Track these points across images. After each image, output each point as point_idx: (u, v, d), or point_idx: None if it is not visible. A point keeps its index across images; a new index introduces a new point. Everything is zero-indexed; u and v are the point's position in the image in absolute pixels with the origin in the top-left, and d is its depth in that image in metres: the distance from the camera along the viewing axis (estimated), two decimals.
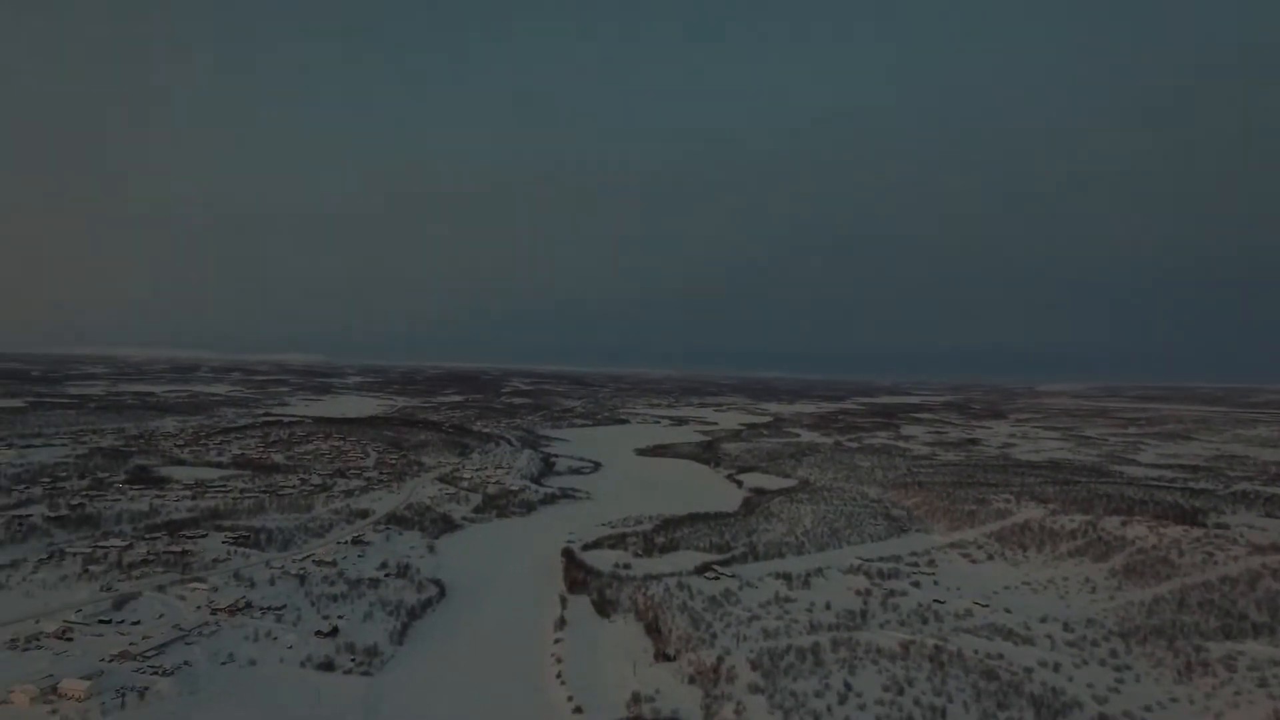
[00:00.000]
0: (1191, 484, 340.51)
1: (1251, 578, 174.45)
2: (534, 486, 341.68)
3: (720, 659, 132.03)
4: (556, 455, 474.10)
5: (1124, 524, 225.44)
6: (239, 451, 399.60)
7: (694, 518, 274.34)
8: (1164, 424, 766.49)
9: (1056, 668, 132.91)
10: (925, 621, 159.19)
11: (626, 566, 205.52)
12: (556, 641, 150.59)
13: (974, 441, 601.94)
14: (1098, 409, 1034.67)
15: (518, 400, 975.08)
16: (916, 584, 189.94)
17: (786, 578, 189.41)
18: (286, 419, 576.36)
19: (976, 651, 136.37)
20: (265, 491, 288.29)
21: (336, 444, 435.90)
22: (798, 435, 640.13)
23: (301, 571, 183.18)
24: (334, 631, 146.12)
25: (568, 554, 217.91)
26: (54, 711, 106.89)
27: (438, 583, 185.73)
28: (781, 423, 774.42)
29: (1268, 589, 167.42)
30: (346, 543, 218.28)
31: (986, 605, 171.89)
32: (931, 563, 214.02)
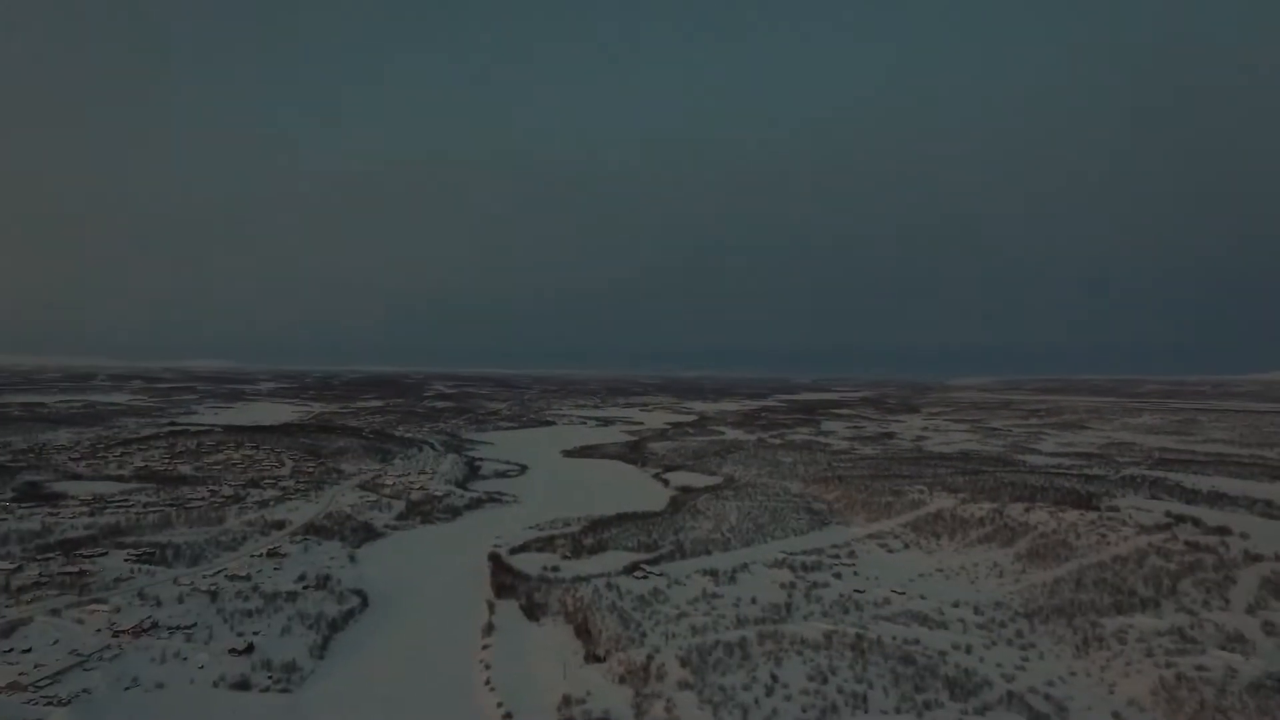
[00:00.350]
0: (1086, 470, 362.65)
1: (1140, 556, 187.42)
2: (459, 491, 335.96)
3: (650, 657, 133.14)
4: (482, 459, 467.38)
5: (1027, 510, 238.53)
6: (142, 464, 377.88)
7: (622, 518, 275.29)
8: (1061, 415, 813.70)
9: (968, 649, 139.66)
10: (846, 611, 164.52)
11: (555, 569, 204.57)
12: (484, 648, 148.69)
13: (889, 435, 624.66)
14: (1002, 402, 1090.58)
15: (441, 404, 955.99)
16: (838, 575, 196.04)
17: (713, 574, 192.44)
18: (194, 428, 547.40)
19: (895, 638, 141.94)
20: (172, 505, 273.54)
21: (249, 453, 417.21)
22: (722, 433, 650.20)
23: (213, 587, 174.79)
24: (249, 649, 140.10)
25: (494, 558, 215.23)
26: None
27: (360, 593, 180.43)
28: (706, 421, 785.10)
29: (1154, 566, 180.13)
30: (261, 555, 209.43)
31: (903, 593, 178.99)
32: (852, 554, 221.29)
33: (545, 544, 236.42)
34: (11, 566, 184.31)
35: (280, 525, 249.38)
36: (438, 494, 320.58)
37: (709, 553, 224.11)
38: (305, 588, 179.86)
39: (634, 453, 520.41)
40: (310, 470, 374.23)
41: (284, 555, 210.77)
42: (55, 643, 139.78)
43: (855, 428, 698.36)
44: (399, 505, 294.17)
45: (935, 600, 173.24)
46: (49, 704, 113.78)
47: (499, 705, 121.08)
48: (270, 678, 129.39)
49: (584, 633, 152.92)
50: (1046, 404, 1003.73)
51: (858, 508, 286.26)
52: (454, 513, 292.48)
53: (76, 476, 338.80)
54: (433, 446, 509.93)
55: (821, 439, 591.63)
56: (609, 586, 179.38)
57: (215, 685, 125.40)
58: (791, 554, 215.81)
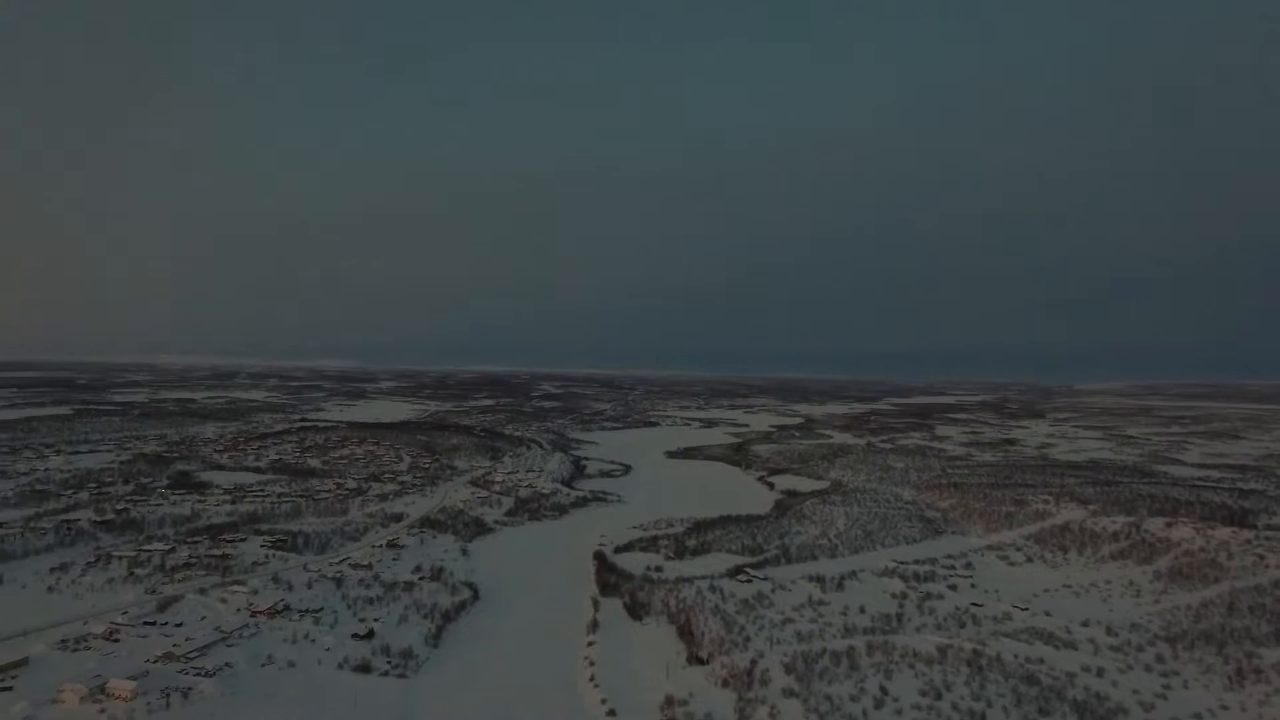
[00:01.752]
0: (1240, 484, 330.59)
1: None
2: (565, 490, 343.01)
3: (754, 662, 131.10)
4: (587, 458, 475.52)
5: (1169, 525, 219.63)
6: (276, 456, 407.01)
7: (725, 520, 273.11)
8: (1209, 422, 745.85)
9: (1100, 673, 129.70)
10: (963, 625, 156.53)
11: (658, 569, 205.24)
12: (589, 644, 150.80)
13: (1011, 442, 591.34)
14: (1139, 408, 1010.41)
15: (548, 404, 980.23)
16: (953, 587, 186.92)
17: (820, 580, 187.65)
18: (322, 424, 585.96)
19: (1016, 656, 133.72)
20: (302, 496, 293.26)
21: (371, 448, 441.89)
22: (830, 437, 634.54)
23: (338, 575, 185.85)
24: (370, 634, 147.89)
25: (599, 557, 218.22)
26: (102, 711, 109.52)
27: (471, 586, 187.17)
28: (813, 424, 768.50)
29: None
30: (381, 546, 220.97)
31: (1026, 609, 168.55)
32: (968, 565, 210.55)
33: (649, 544, 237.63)
34: (166, 548, 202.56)
35: (398, 518, 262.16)
36: (545, 492, 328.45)
37: (815, 558, 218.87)
38: (421, 579, 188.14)
39: (738, 455, 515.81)
40: (426, 466, 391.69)
41: (402, 547, 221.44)
42: (202, 619, 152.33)
43: (973, 433, 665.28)
44: (508, 502, 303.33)
45: (1062, 618, 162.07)
46: (198, 674, 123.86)
47: (603, 702, 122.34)
48: (389, 663, 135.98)
49: (687, 634, 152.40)
50: (1192, 410, 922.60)
51: (975, 517, 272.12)
52: (560, 510, 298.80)
53: (220, 467, 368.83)
54: (540, 445, 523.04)
55: (936, 444, 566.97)
56: (712, 589, 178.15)
57: (340, 667, 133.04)
58: (903, 563, 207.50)
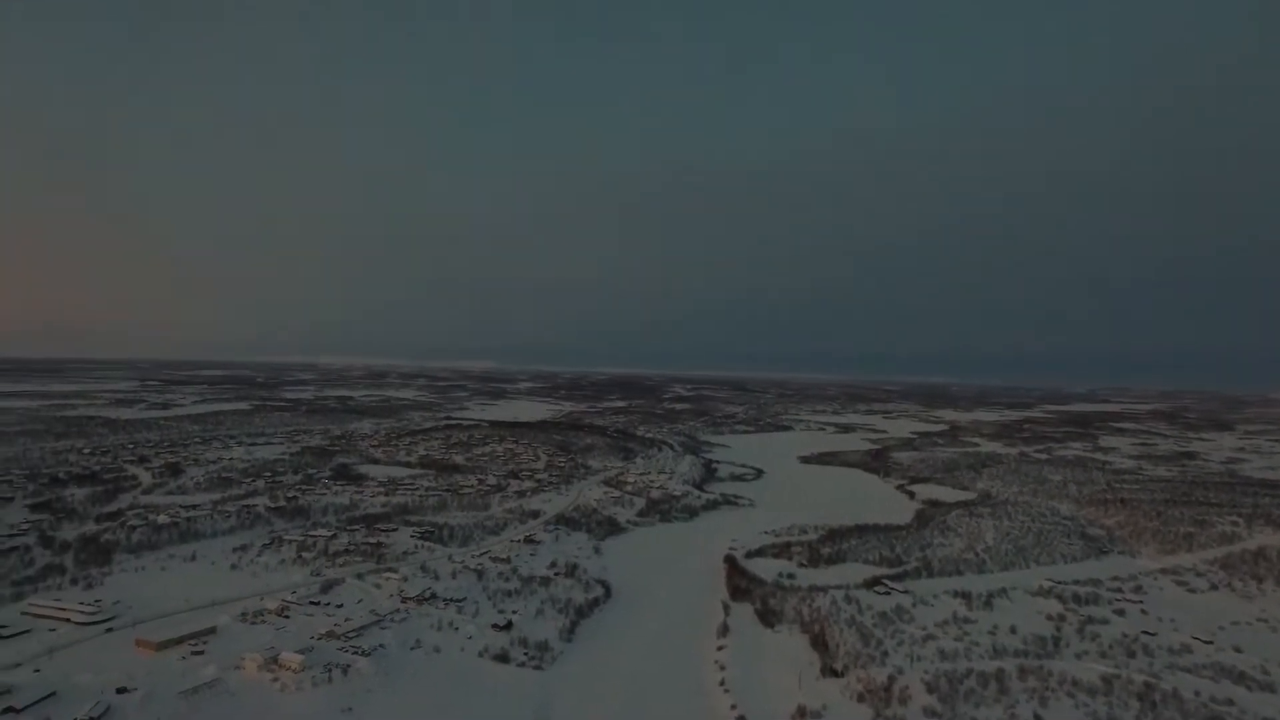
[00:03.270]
0: None
1: None
2: (696, 492, 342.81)
3: (892, 678, 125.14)
4: (718, 461, 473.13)
5: None
6: (425, 452, 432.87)
7: (862, 529, 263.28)
8: None
9: None
10: (1132, 655, 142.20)
11: (791, 576, 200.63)
12: (719, 648, 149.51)
13: (1190, 455, 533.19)
14: None
15: (679, 406, 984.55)
16: (1120, 612, 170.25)
17: (965, 597, 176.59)
18: (466, 422, 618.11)
19: (1198, 694, 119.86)
20: (447, 490, 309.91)
21: (510, 446, 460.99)
22: (977, 445, 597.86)
23: (479, 567, 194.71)
24: (508, 625, 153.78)
25: (730, 561, 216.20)
26: (275, 679, 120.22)
27: (604, 584, 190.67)
28: (958, 431, 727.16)
29: None
30: (519, 541, 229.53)
31: (1210, 642, 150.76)
32: (1138, 589, 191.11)
33: (781, 550, 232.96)
34: (329, 534, 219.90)
35: (535, 514, 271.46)
36: (676, 494, 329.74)
37: (960, 573, 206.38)
38: (556, 574, 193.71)
39: (876, 462, 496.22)
40: (561, 465, 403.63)
41: (538, 543, 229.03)
42: (359, 601, 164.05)
43: (1143, 445, 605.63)
44: (640, 502, 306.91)
45: (1255, 655, 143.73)
46: (355, 653, 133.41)
47: (732, 707, 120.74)
48: (526, 654, 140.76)
49: (820, 644, 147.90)
50: None
51: (1147, 537, 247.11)
52: (691, 513, 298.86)
53: (375, 461, 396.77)
54: (671, 447, 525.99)
55: (1099, 456, 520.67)
56: (848, 599, 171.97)
57: (480, 655, 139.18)
58: (1060, 583, 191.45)
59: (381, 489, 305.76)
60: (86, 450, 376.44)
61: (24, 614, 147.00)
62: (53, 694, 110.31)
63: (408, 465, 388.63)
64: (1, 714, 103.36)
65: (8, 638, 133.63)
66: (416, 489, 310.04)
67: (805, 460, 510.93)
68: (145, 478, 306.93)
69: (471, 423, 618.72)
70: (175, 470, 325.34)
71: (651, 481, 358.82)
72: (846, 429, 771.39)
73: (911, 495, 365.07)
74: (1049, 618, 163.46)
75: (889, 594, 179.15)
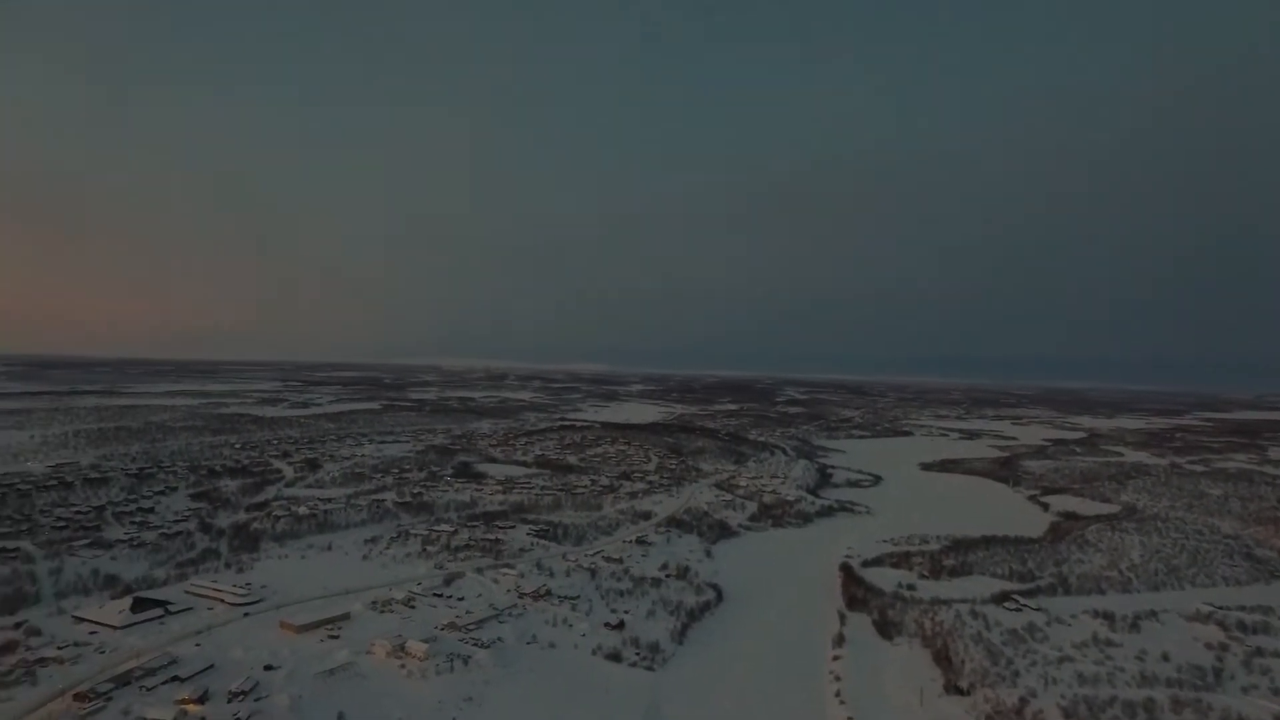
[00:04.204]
0: None
1: None
2: (810, 497, 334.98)
3: (1024, 700, 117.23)
4: (833, 466, 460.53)
5: None
6: (540, 452, 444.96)
7: (989, 540, 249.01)
8: None
9: None
10: None
11: (911, 587, 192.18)
12: (835, 658, 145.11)
13: None
14: None
15: (792, 409, 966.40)
16: None
17: (1108, 618, 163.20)
18: (579, 423, 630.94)
19: None
20: (562, 490, 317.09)
21: (622, 448, 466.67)
22: (1120, 454, 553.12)
23: (592, 566, 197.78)
24: (621, 625, 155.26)
25: (846, 569, 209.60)
26: (402, 666, 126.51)
27: (715, 587, 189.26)
28: (1098, 439, 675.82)
29: None
30: (631, 542, 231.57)
31: None
32: None
33: (900, 560, 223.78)
34: (451, 530, 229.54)
35: (647, 516, 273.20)
36: (789, 498, 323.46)
37: (1102, 592, 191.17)
38: (667, 576, 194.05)
39: (1004, 470, 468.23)
40: (672, 467, 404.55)
41: (650, 544, 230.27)
42: (479, 595, 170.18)
43: None
44: (751, 506, 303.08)
45: None
46: (475, 645, 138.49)
47: None
48: (638, 654, 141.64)
49: (943, 660, 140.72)
50: None
51: None
52: (805, 518, 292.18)
53: (493, 460, 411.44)
54: (784, 451, 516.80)
55: (1269, 469, 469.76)
56: (974, 614, 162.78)
57: (593, 653, 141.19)
58: (1222, 608, 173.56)
59: (499, 487, 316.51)
60: (237, 445, 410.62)
61: (187, 592, 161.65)
62: (211, 666, 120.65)
63: (524, 464, 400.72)
64: (168, 682, 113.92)
65: (175, 613, 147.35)
66: (532, 488, 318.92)
67: (926, 467, 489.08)
68: (288, 472, 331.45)
69: (585, 424, 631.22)
70: (314, 465, 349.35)
71: (764, 486, 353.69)
72: (971, 435, 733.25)
73: (1045, 506, 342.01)
74: (1208, 646, 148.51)
75: (1020, 610, 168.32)
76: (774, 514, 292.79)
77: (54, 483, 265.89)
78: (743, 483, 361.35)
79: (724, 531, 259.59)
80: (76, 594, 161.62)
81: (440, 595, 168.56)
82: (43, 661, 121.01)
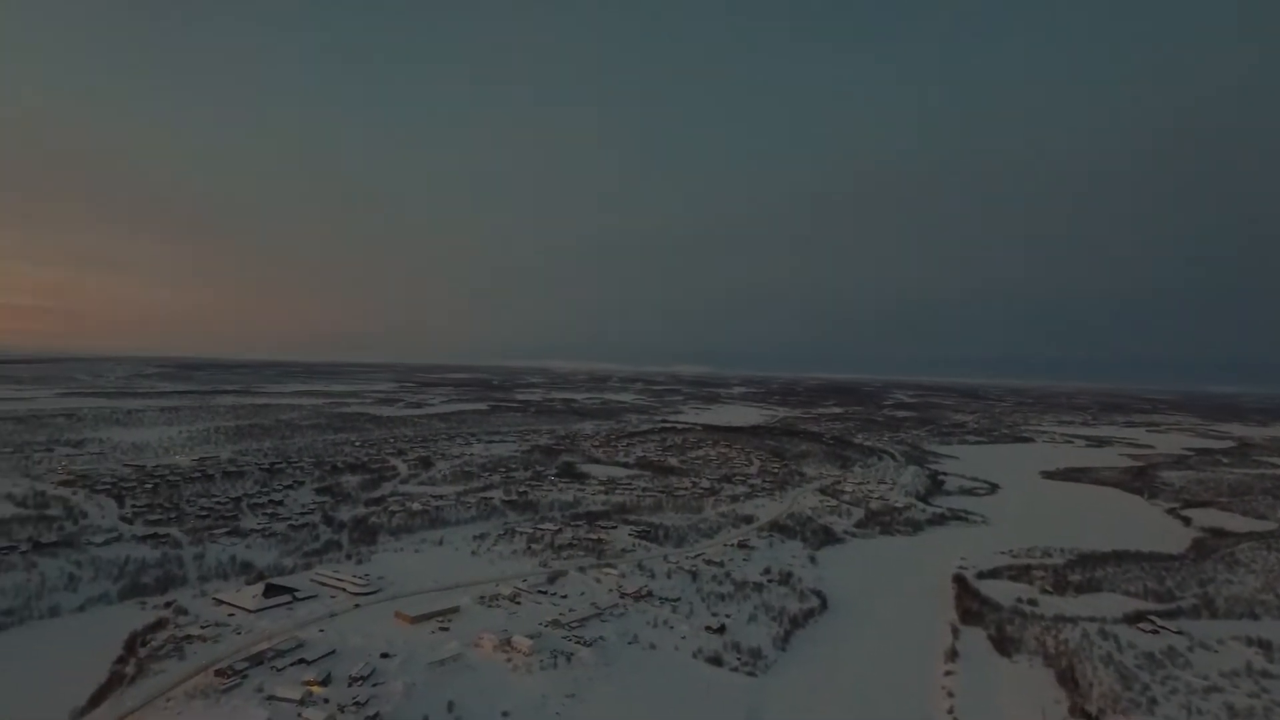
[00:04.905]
0: None
1: None
2: (920, 505, 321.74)
3: None
4: (945, 473, 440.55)
5: None
6: (641, 454, 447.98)
7: (1120, 556, 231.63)
8: None
9: None
10: None
11: (1031, 602, 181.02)
12: (947, 674, 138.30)
13: None
14: None
15: (901, 413, 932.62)
16: None
17: (1264, 646, 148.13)
18: (680, 426, 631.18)
19: None
20: (663, 492, 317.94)
21: (723, 450, 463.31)
22: (1277, 466, 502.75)
23: (693, 568, 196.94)
24: (722, 629, 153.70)
25: (959, 581, 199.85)
26: (508, 659, 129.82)
27: (819, 594, 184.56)
28: (1250, 449, 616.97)
29: None
30: (733, 545, 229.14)
31: None
32: None
33: (1019, 573, 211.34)
34: (555, 528, 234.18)
35: (748, 519, 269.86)
36: (897, 505, 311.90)
37: (1255, 617, 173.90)
38: (770, 581, 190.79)
39: (1138, 481, 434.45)
40: (775, 471, 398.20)
41: (751, 548, 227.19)
42: (581, 594, 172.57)
43: None
44: (858, 513, 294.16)
45: None
46: (578, 642, 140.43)
47: None
48: (739, 659, 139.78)
49: (1069, 681, 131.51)
50: None
51: None
52: (914, 526, 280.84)
53: (596, 460, 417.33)
54: (892, 456, 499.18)
55: None
56: (1103, 634, 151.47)
57: (694, 656, 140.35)
58: None
59: (602, 488, 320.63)
60: (357, 443, 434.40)
61: (312, 581, 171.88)
62: (333, 651, 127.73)
63: (626, 466, 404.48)
64: (296, 664, 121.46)
65: (301, 600, 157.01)
66: (634, 489, 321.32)
67: (1048, 475, 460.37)
68: (402, 469, 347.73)
69: (686, 426, 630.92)
70: (426, 463, 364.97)
71: (870, 491, 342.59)
72: (1100, 442, 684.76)
73: (1186, 521, 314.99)
74: None
75: (1157, 633, 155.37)
76: (882, 521, 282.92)
77: (198, 475, 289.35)
78: (848, 488, 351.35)
79: (829, 537, 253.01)
80: (216, 578, 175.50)
81: (544, 592, 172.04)
82: (189, 639, 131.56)
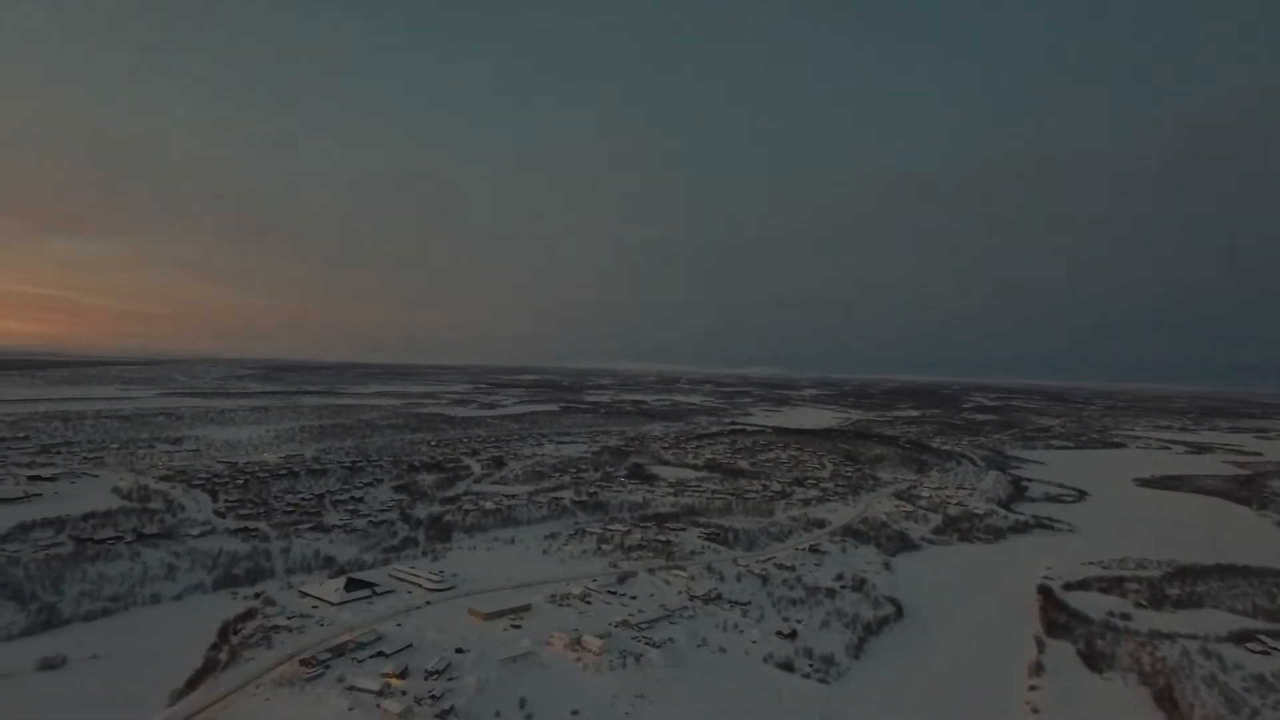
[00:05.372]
0: None
1: None
2: (1002, 512, 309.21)
3: None
4: (1029, 479, 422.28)
5: None
6: (711, 456, 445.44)
7: (1224, 570, 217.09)
8: None
9: None
10: None
11: (1124, 617, 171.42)
12: (1031, 688, 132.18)
13: None
14: None
15: (981, 417, 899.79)
16: None
17: None
18: (750, 428, 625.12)
19: None
20: (732, 494, 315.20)
21: (794, 453, 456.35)
22: None
23: (764, 572, 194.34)
24: (793, 634, 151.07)
25: (1045, 592, 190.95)
26: (579, 659, 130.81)
27: (894, 602, 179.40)
28: None
29: None
30: (804, 550, 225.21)
31: None
32: None
33: (1111, 585, 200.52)
34: (624, 529, 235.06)
35: (820, 524, 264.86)
36: (978, 512, 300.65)
37: None
38: (842, 587, 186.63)
39: (1245, 490, 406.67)
40: (848, 474, 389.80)
41: (824, 553, 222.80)
42: (651, 595, 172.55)
43: None
44: (935, 519, 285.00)
45: None
46: (647, 644, 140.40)
47: None
48: (811, 665, 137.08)
49: (1167, 702, 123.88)
50: None
51: None
52: (996, 534, 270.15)
53: (665, 462, 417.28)
54: (972, 461, 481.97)
55: None
56: (1205, 653, 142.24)
57: (765, 661, 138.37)
58: None
59: (670, 489, 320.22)
60: (433, 442, 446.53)
61: (390, 576, 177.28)
62: (410, 645, 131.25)
63: (695, 467, 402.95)
64: (375, 656, 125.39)
65: (380, 594, 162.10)
66: (703, 491, 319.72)
67: (1143, 483, 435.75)
68: (476, 468, 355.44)
69: (756, 428, 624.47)
70: (499, 463, 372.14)
71: (949, 497, 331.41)
72: (1201, 449, 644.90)
73: None
74: None
75: (1268, 654, 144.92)
76: (960, 528, 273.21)
77: (284, 472, 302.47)
78: (925, 493, 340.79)
79: (904, 544, 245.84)
80: (301, 571, 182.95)
81: (614, 593, 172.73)
82: (276, 629, 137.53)
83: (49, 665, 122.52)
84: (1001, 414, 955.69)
